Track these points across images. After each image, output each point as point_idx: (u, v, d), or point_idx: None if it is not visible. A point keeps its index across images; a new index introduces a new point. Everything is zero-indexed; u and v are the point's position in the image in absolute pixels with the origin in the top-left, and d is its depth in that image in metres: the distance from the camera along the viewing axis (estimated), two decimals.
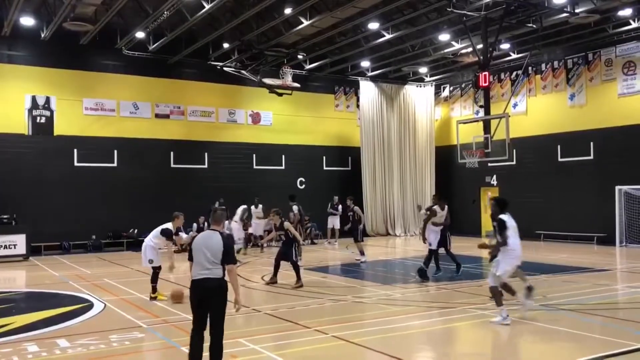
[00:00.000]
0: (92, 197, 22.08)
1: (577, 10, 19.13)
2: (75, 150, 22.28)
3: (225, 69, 24.40)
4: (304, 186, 26.81)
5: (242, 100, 25.93)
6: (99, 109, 22.84)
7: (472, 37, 20.20)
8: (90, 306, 10.96)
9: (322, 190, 25.53)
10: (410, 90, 29.48)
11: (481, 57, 20.44)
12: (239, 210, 20.62)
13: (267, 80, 24.32)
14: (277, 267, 13.35)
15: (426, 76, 29.03)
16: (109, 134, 22.88)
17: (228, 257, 6.30)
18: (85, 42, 21.52)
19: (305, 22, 19.66)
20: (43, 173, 21.43)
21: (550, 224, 23.76)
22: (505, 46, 23.69)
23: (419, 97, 29.50)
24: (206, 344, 6.33)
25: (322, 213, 24.20)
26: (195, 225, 21.19)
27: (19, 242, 19.36)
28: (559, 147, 23.90)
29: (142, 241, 12.20)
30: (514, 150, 23.18)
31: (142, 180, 22.95)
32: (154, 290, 11.53)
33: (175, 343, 7.96)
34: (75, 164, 22.30)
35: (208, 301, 6.25)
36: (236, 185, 24.30)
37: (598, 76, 22.84)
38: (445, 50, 24.15)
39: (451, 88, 29.38)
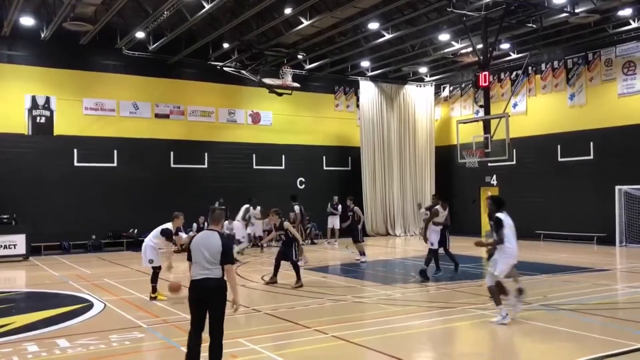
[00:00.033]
0: (92, 197, 22.08)
1: (577, 10, 19.13)
2: (75, 150, 22.28)
3: (225, 69, 24.41)
4: (303, 186, 26.81)
5: (242, 100, 25.93)
6: (98, 109, 22.84)
7: (472, 37, 20.20)
8: (90, 306, 10.96)
9: (322, 190, 25.53)
10: (410, 90, 29.48)
11: (481, 57, 20.43)
12: (242, 209, 20.59)
13: (267, 80, 24.32)
14: (277, 267, 13.35)
15: (426, 76, 29.03)
16: (109, 134, 22.88)
17: (226, 257, 6.29)
18: (85, 42, 21.53)
19: (305, 22, 19.66)
20: (43, 173, 21.43)
21: (550, 224, 23.76)
22: (505, 46, 23.69)
23: (418, 97, 29.51)
24: (205, 344, 6.33)
25: (322, 213, 24.21)
26: (195, 225, 21.19)
27: (18, 242, 19.36)
28: (558, 147, 23.90)
29: (142, 241, 12.20)
30: (514, 150, 23.18)
31: (142, 180, 22.96)
32: (154, 290, 11.53)
33: (175, 343, 7.95)
34: (75, 164, 22.30)
35: (208, 301, 6.24)
36: (236, 185, 24.30)
37: (598, 76, 22.84)
38: (445, 50, 24.15)
39: (451, 88, 29.38)
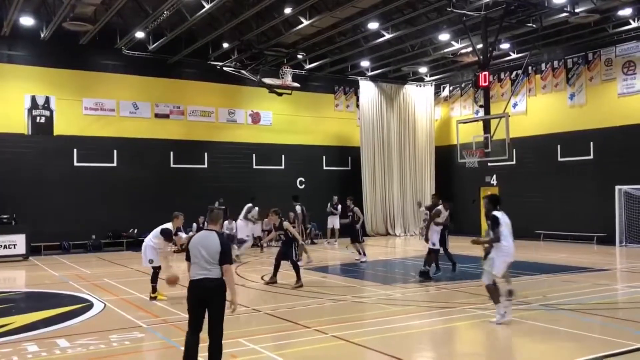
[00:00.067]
0: (92, 197, 22.08)
1: (577, 10, 19.13)
2: (75, 150, 22.28)
3: (225, 68, 24.41)
4: (303, 186, 26.81)
5: (242, 100, 25.93)
6: (98, 108, 22.84)
7: (472, 36, 20.20)
8: (90, 306, 10.96)
9: (322, 190, 25.52)
10: (410, 90, 29.48)
11: (481, 57, 20.43)
12: (245, 208, 20.54)
13: (267, 80, 24.31)
14: (277, 267, 13.34)
15: (426, 76, 29.03)
16: (109, 133, 22.88)
17: (225, 257, 6.26)
18: (85, 42, 21.52)
19: (305, 22, 19.66)
20: (43, 173, 21.42)
21: (550, 224, 23.77)
22: (505, 46, 23.69)
23: (418, 96, 29.51)
24: (204, 345, 6.32)
25: (322, 213, 24.20)
26: (195, 225, 21.18)
27: (18, 242, 19.37)
28: (558, 146, 23.90)
29: (142, 241, 12.19)
30: (514, 150, 23.18)
31: (141, 180, 22.95)
32: (154, 290, 11.53)
33: (175, 343, 7.94)
34: (75, 163, 22.30)
35: (207, 301, 6.22)
36: (236, 185, 24.29)
37: (598, 76, 22.84)
38: (445, 50, 24.15)
39: (451, 88, 29.39)
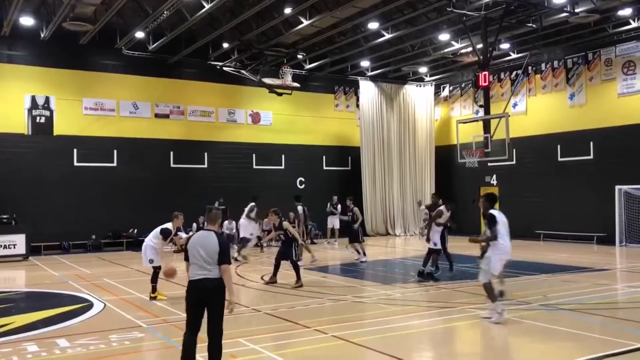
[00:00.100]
0: (92, 197, 22.08)
1: (577, 10, 19.13)
2: (75, 150, 22.28)
3: (225, 68, 24.41)
4: (303, 186, 26.81)
5: (242, 100, 25.93)
6: (98, 108, 22.84)
7: (471, 36, 20.20)
8: (90, 306, 10.96)
9: (322, 190, 25.52)
10: (410, 90, 29.49)
11: (481, 57, 20.43)
12: (248, 207, 20.52)
13: (267, 80, 24.32)
14: (277, 267, 13.34)
15: (426, 76, 29.03)
16: (109, 133, 22.88)
17: (224, 257, 6.24)
18: (85, 42, 21.52)
19: (305, 22, 19.66)
20: (43, 173, 21.43)
21: (550, 224, 23.77)
22: (505, 46, 23.69)
23: (418, 96, 29.51)
24: (204, 345, 6.31)
25: (322, 213, 24.20)
26: (195, 225, 21.19)
27: (18, 242, 19.37)
28: (558, 146, 23.91)
29: (142, 241, 12.20)
30: (514, 150, 23.18)
31: (141, 180, 22.96)
32: (154, 290, 11.53)
33: (175, 343, 7.93)
34: (75, 163, 22.30)
35: (207, 301, 6.21)
36: (236, 185, 24.30)
37: (598, 76, 22.84)
38: (445, 50, 24.15)
39: (451, 88, 29.39)
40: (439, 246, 13.90)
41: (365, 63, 26.75)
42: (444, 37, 22.48)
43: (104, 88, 22.93)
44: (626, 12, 20.04)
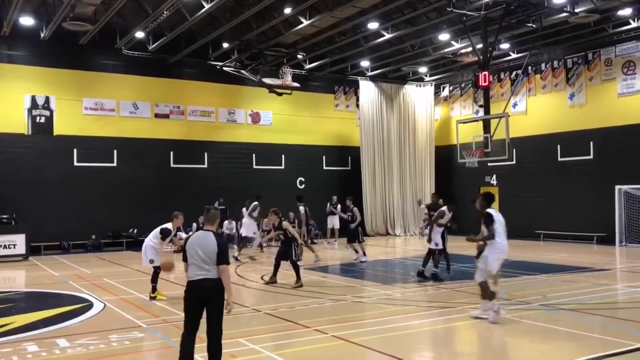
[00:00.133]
0: (92, 197, 22.08)
1: (576, 10, 19.14)
2: (75, 150, 22.28)
3: (225, 68, 24.41)
4: (303, 186, 26.81)
5: (242, 100, 25.93)
6: (98, 108, 22.84)
7: (471, 36, 20.21)
8: (90, 306, 10.96)
9: (322, 190, 25.52)
10: (410, 90, 29.49)
11: (481, 57, 20.44)
12: (251, 206, 20.54)
13: (267, 80, 24.32)
14: (276, 267, 13.34)
15: (426, 76, 29.03)
16: (109, 133, 22.88)
17: (222, 257, 6.22)
18: (85, 42, 21.52)
19: (305, 22, 19.66)
20: (43, 173, 21.43)
21: (550, 224, 23.77)
22: (505, 46, 23.69)
23: (418, 96, 29.51)
24: (203, 345, 6.31)
25: (322, 213, 24.20)
26: (195, 225, 21.18)
27: (18, 242, 19.37)
28: (558, 146, 23.91)
29: (142, 241, 12.20)
30: (514, 150, 23.17)
31: (141, 180, 22.96)
32: (154, 290, 11.53)
33: (175, 343, 7.91)
34: (75, 163, 22.30)
35: (206, 302, 6.20)
36: (236, 185, 24.30)
37: (598, 76, 22.84)
38: (445, 50, 24.15)
39: (451, 88, 29.39)
40: (440, 246, 13.90)
41: (365, 63, 26.76)
42: (444, 37, 22.48)
43: (104, 88, 22.93)
44: (626, 12, 20.04)
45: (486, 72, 20.18)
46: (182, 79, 24.52)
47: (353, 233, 18.01)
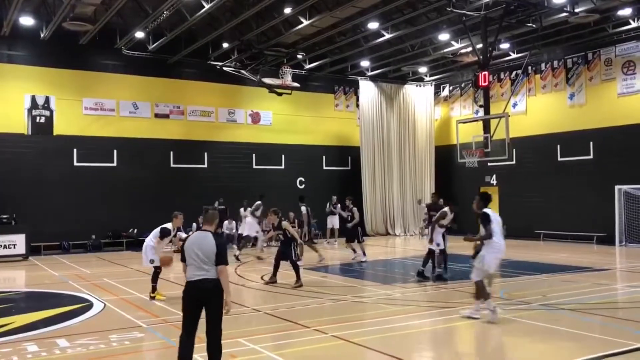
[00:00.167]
0: (92, 197, 22.08)
1: (576, 10, 19.14)
2: (74, 150, 22.28)
3: (225, 68, 24.41)
4: (303, 186, 26.81)
5: (242, 100, 25.93)
6: (98, 108, 22.84)
7: (471, 36, 20.20)
8: (89, 306, 10.96)
9: (322, 190, 25.50)
10: (410, 90, 29.49)
11: (481, 57, 20.44)
12: (254, 205, 20.60)
13: (267, 80, 24.32)
14: (276, 267, 13.35)
15: (426, 76, 29.03)
16: (109, 133, 22.88)
17: (221, 257, 6.21)
18: (85, 41, 21.52)
19: (305, 22, 19.66)
20: (43, 173, 21.42)
21: (550, 224, 23.76)
22: (504, 46, 23.69)
23: (418, 96, 29.51)
24: (201, 345, 6.31)
25: (322, 213, 24.19)
26: (195, 225, 21.17)
27: (18, 242, 19.37)
28: (558, 146, 23.90)
29: (142, 241, 12.20)
30: (514, 150, 23.17)
31: (141, 180, 22.95)
32: (154, 289, 11.53)
33: (175, 343, 7.92)
34: (75, 163, 22.30)
35: (205, 302, 6.18)
36: (236, 185, 24.30)
37: (598, 76, 22.84)
38: (445, 50, 24.15)
39: (451, 88, 29.39)
40: (442, 246, 13.89)
41: (365, 63, 26.75)
42: (443, 37, 22.48)
43: (104, 88, 22.93)
44: (626, 12, 20.04)
45: (486, 72, 20.17)
46: (182, 79, 24.52)
47: (352, 233, 18.05)
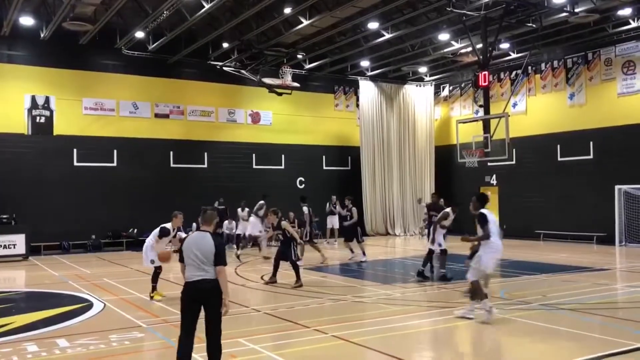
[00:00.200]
0: (92, 197, 22.08)
1: (576, 10, 19.14)
2: (74, 150, 22.28)
3: (225, 68, 24.41)
4: (303, 186, 26.81)
5: (242, 100, 25.93)
6: (98, 108, 22.84)
7: (471, 36, 20.20)
8: (89, 306, 10.96)
9: (322, 190, 25.49)
10: (410, 90, 29.49)
11: (481, 57, 20.43)
12: (257, 205, 20.63)
13: (267, 80, 24.32)
14: (276, 267, 13.35)
15: (426, 76, 29.03)
16: (109, 133, 22.88)
17: (219, 258, 6.20)
18: (85, 41, 21.52)
19: (305, 22, 19.66)
20: (43, 173, 21.43)
21: (550, 224, 23.76)
22: (504, 46, 23.69)
23: (418, 96, 29.51)
24: (201, 345, 6.31)
25: (322, 213, 24.19)
26: (194, 225, 21.16)
27: (18, 242, 19.38)
28: (558, 146, 23.90)
29: (142, 241, 12.21)
30: (514, 150, 23.17)
31: (141, 180, 22.96)
32: (154, 289, 11.54)
33: (175, 343, 7.93)
34: (75, 163, 22.30)
35: (204, 302, 6.17)
36: (236, 185, 24.31)
37: (597, 76, 22.84)
38: (445, 50, 24.15)
39: (451, 87, 29.39)
40: (443, 246, 13.88)
41: (365, 63, 26.75)
42: (443, 37, 22.48)
43: (104, 88, 22.93)
44: (626, 12, 20.04)
45: (486, 72, 20.17)
46: (182, 79, 24.52)
47: (350, 233, 18.06)
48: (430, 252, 13.81)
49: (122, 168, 22.98)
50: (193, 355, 6.31)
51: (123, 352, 7.81)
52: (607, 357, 7.14)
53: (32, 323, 9.59)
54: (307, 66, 26.07)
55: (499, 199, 25.89)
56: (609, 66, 22.43)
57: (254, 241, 21.97)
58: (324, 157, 27.78)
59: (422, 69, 27.84)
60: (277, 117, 26.61)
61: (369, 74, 27.90)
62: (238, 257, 17.98)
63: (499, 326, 8.90)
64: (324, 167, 27.77)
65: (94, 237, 22.36)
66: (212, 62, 24.24)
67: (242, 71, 24.28)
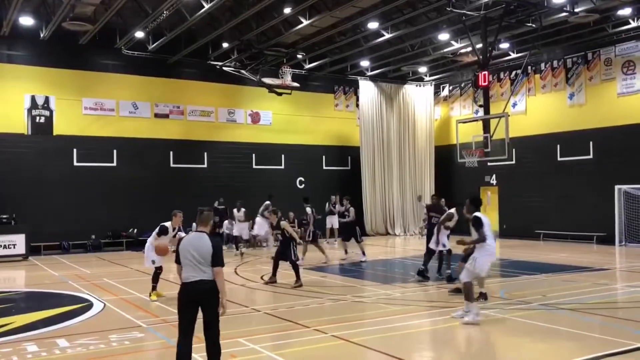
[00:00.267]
0: (92, 197, 22.08)
1: (576, 10, 19.14)
2: (74, 150, 22.28)
3: (224, 68, 24.40)
4: (303, 186, 26.81)
5: (242, 100, 25.93)
6: (98, 108, 22.84)
7: (471, 36, 20.20)
8: (89, 306, 10.96)
9: (322, 190, 25.47)
10: (410, 90, 29.49)
11: (480, 57, 20.43)
12: (262, 205, 20.64)
13: (267, 80, 24.32)
14: (275, 267, 13.35)
15: (426, 76, 29.03)
16: (109, 133, 22.87)
17: (217, 258, 6.19)
18: (85, 41, 21.52)
19: (305, 22, 19.66)
20: (42, 173, 21.42)
21: (549, 224, 23.77)
22: (504, 45, 23.69)
23: (418, 96, 29.51)
24: (200, 345, 6.30)
25: (321, 213, 24.14)
26: (194, 224, 21.11)
27: (18, 242, 19.38)
28: (558, 146, 23.90)
29: (142, 241, 12.23)
30: (514, 150, 23.16)
31: (141, 180, 22.96)
32: (154, 289, 11.54)
33: (175, 343, 7.93)
34: (75, 163, 22.30)
35: (202, 303, 6.17)
36: (236, 185, 24.32)
37: (597, 75, 22.84)
38: (445, 50, 24.15)
39: (451, 87, 29.39)
40: (447, 247, 13.86)
41: (365, 63, 26.75)
42: (443, 36, 22.48)
43: (104, 88, 22.93)
44: (626, 11, 20.04)
45: (486, 72, 20.16)
46: (182, 79, 24.52)
47: (348, 232, 18.06)
48: (430, 251, 13.78)
49: (122, 168, 22.98)
50: (193, 355, 6.31)
51: (123, 352, 7.81)
52: (607, 357, 7.14)
53: (32, 323, 9.59)
54: (307, 66, 26.07)
55: (499, 199, 25.90)
56: (609, 66, 22.43)
57: (254, 240, 22.02)
58: (323, 157, 27.78)
59: (422, 69, 27.84)
60: (277, 117, 26.61)
61: (369, 74, 27.90)
62: (241, 253, 18.26)
63: (499, 326, 8.90)
64: (324, 167, 27.77)
65: (93, 237, 22.35)
66: (212, 62, 24.23)
67: (242, 71, 24.29)
